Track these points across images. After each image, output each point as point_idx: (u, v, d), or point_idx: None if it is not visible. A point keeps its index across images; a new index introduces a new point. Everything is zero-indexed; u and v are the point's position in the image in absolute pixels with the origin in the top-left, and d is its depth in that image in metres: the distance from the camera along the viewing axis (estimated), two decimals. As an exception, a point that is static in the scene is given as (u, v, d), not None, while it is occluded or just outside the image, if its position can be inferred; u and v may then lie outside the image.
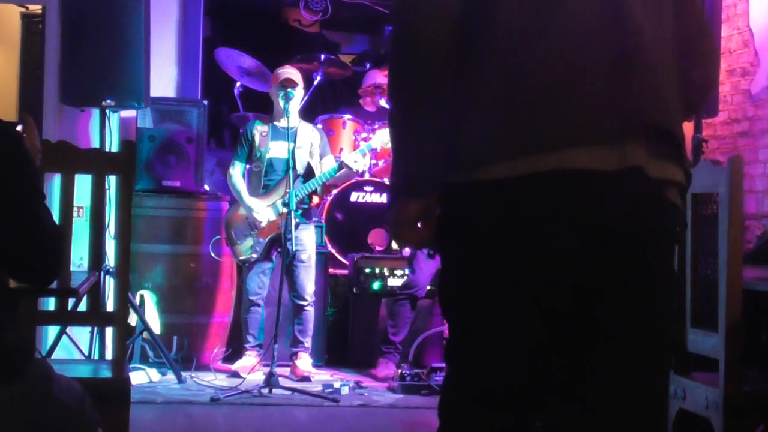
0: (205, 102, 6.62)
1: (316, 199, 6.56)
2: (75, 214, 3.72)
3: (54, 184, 4.84)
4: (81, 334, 5.71)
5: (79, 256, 4.61)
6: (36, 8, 8.26)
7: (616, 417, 2.12)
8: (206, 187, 6.75)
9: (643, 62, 2.05)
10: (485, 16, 2.06)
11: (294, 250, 5.84)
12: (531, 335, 2.10)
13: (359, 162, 6.19)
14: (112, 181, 4.49)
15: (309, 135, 6.26)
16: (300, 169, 6.12)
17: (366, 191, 7.18)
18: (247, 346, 6.20)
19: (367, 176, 7.15)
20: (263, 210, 6.13)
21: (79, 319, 4.27)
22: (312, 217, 6.30)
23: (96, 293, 3.81)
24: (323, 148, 6.31)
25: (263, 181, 6.19)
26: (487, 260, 2.09)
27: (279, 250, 6.02)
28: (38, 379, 2.45)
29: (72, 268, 4.00)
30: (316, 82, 7.65)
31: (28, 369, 2.43)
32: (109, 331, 4.95)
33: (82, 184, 3.68)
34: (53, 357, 5.23)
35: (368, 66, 8.64)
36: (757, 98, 6.12)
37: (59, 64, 5.92)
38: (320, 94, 8.56)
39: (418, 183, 2.14)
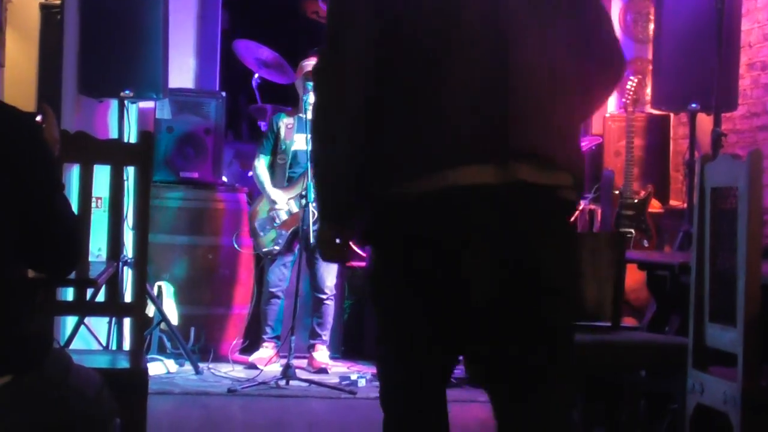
0: (223, 93, 6.63)
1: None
2: (93, 204, 3.72)
3: (72, 174, 4.86)
4: (99, 324, 5.73)
5: (97, 247, 4.62)
6: (55, -1, 8.27)
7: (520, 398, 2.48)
8: (224, 178, 6.76)
9: (519, 95, 2.42)
10: (396, 70, 2.46)
11: (313, 242, 5.84)
12: (436, 325, 2.47)
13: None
14: (130, 172, 4.50)
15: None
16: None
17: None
18: (264, 337, 6.20)
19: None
20: (285, 202, 6.13)
21: (97, 310, 4.29)
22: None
23: (114, 284, 3.82)
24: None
25: (288, 173, 6.19)
26: (397, 261, 2.49)
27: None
28: (56, 368, 2.46)
29: (90, 259, 4.01)
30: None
31: (47, 359, 2.43)
32: (126, 322, 4.97)
33: (101, 174, 3.69)
34: (71, 347, 5.24)
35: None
36: (776, 92, 6.09)
37: (78, 55, 5.93)
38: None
39: (335, 211, 2.58)
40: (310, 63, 6.22)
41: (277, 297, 6.19)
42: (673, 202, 6.79)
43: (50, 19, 8.52)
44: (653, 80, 6.27)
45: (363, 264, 6.80)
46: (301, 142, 6.14)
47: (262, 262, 6.37)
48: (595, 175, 6.84)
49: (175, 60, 6.15)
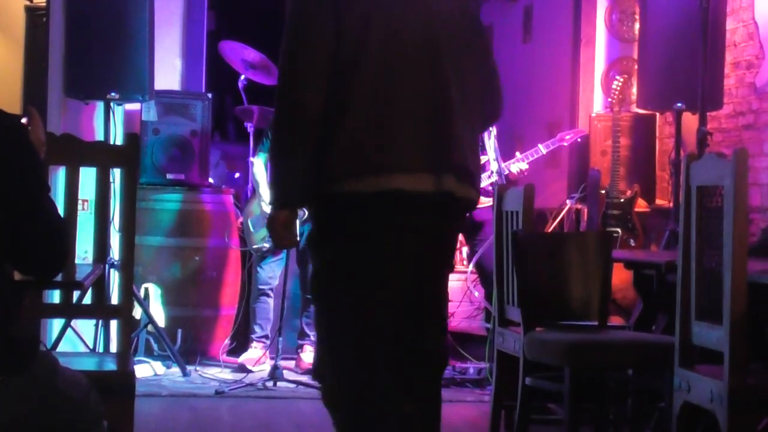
0: (210, 95, 6.62)
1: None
2: (79, 207, 3.72)
3: (59, 177, 4.85)
4: (86, 326, 5.71)
5: (83, 249, 4.60)
6: (40, 1, 8.24)
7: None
8: (211, 180, 6.75)
9: (452, 119, 2.99)
10: (350, 78, 2.92)
11: (303, 243, 5.84)
12: (387, 306, 2.99)
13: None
14: (116, 174, 4.49)
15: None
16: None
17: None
18: (253, 336, 6.20)
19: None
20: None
21: (84, 312, 4.27)
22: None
23: (101, 286, 3.81)
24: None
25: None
26: (346, 252, 2.98)
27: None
28: (43, 371, 2.46)
29: (77, 261, 3.99)
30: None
31: (33, 362, 2.43)
32: (113, 324, 4.96)
33: (87, 177, 3.68)
34: (58, 350, 5.22)
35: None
36: (761, 91, 6.10)
37: (63, 56, 5.91)
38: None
39: (287, 200, 3.02)
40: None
41: (267, 295, 6.19)
42: (659, 201, 6.81)
43: (36, 20, 8.49)
44: (639, 80, 6.28)
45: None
46: None
47: (250, 262, 6.37)
48: (581, 174, 6.86)
49: (161, 62, 6.14)
